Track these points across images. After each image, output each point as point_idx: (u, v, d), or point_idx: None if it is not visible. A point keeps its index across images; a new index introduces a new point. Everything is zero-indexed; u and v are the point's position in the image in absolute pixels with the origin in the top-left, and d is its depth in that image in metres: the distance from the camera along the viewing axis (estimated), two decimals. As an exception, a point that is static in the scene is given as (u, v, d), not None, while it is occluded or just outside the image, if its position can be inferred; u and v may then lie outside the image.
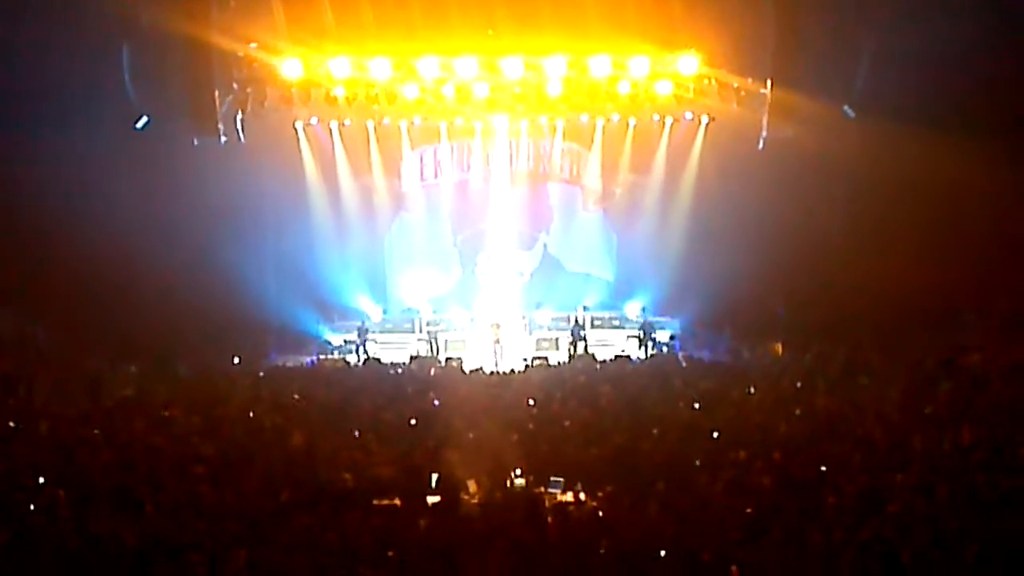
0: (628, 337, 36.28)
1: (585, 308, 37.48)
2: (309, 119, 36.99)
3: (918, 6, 30.52)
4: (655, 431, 20.82)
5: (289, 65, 33.05)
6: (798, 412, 22.62)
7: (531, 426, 21.76)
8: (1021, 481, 16.23)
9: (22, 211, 30.35)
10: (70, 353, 29.81)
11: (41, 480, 17.09)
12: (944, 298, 30.87)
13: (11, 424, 21.39)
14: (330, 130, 37.46)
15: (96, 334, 30.85)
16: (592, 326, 36.97)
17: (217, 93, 33.08)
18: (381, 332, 37.12)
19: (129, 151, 32.70)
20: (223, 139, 33.58)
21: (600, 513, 16.41)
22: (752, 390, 25.85)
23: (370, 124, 37.29)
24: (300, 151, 37.44)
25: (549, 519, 15.99)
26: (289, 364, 33.43)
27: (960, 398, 22.78)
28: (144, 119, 33.05)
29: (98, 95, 31.59)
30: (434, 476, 17.78)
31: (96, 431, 21.02)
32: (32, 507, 15.93)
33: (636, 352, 34.84)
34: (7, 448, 19.38)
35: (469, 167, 38.58)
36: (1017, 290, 30.42)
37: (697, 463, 18.64)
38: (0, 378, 25.68)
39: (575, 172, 38.95)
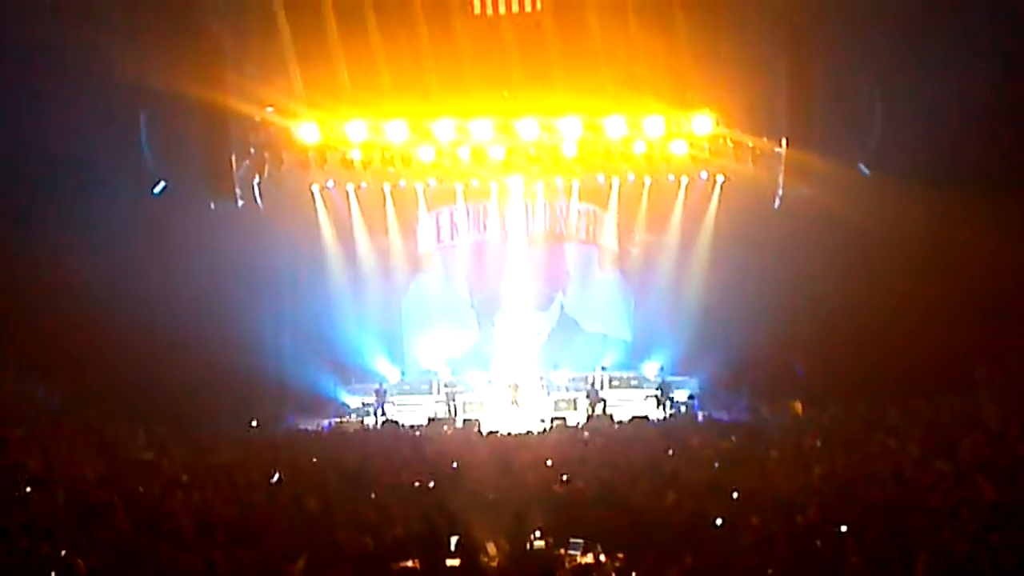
0: (646, 397, 36.18)
1: (603, 368, 37.46)
2: (326, 182, 37.24)
3: (931, 64, 30.58)
4: (673, 492, 20.69)
5: (305, 129, 33.27)
6: (818, 472, 22.46)
7: (550, 488, 21.64)
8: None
9: (40, 275, 30.44)
10: (86, 418, 29.76)
11: (59, 547, 17.00)
12: (961, 357, 30.76)
13: (28, 489, 21.29)
14: (347, 193, 37.71)
15: (113, 398, 30.83)
16: (610, 386, 36.91)
17: (234, 157, 33.24)
18: (399, 394, 37.17)
19: (147, 216, 32.84)
20: (240, 203, 33.70)
21: (620, 574, 16.29)
22: (772, 450, 25.75)
23: (386, 187, 37.53)
24: (317, 214, 37.69)
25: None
26: (307, 427, 33.35)
27: (980, 455, 22.61)
28: (161, 184, 33.22)
29: (116, 161, 31.78)
30: (453, 538, 17.67)
31: (114, 496, 20.95)
32: (51, 574, 15.84)
33: (654, 412, 34.73)
34: (24, 514, 19.29)
35: (485, 228, 38.73)
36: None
37: (717, 524, 18.50)
38: (16, 443, 25.58)
39: (591, 232, 39.04)
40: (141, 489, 21.69)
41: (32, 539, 17.45)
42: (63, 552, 16.58)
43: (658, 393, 35.60)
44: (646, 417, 33.65)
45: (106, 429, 28.80)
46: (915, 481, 20.97)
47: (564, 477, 22.50)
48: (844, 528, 17.52)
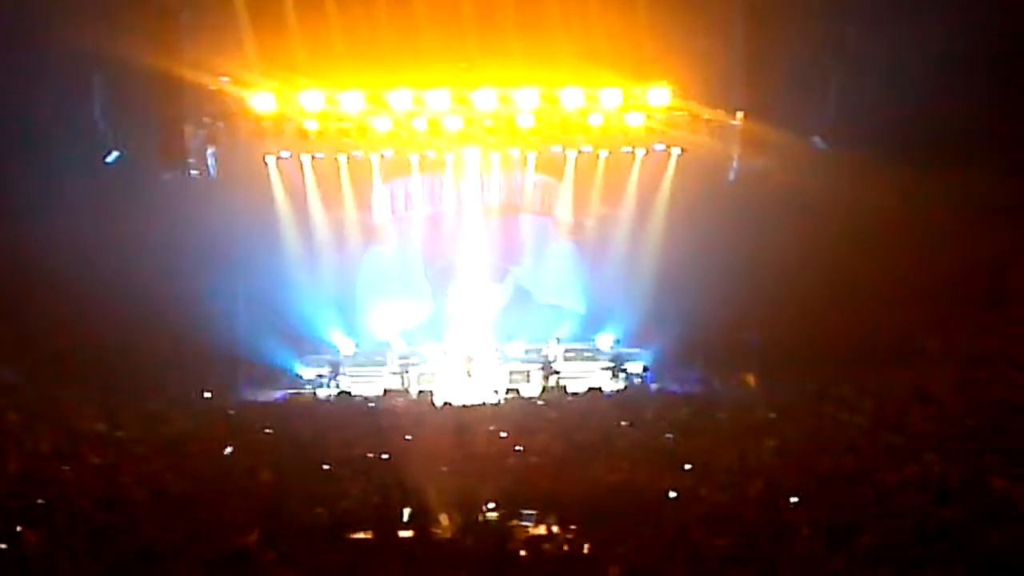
0: (601, 369, 36.25)
1: (557, 340, 37.43)
2: (280, 153, 36.97)
3: (888, 38, 30.73)
4: (627, 464, 20.76)
5: (260, 99, 33.14)
6: (769, 443, 22.58)
7: (503, 459, 21.68)
8: (990, 509, 16.23)
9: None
10: (39, 388, 29.57)
11: (9, 518, 16.90)
12: (913, 330, 31.00)
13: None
14: (301, 163, 37.45)
15: (64, 369, 30.65)
16: (564, 358, 36.91)
17: (187, 127, 33.05)
18: (353, 365, 37.01)
19: (99, 185, 32.59)
20: (194, 173, 33.53)
21: (573, 546, 16.33)
22: (723, 417, 25.92)
23: (342, 157, 37.30)
24: (271, 184, 37.42)
25: (522, 552, 15.91)
26: (260, 398, 33.26)
27: (929, 427, 22.81)
28: (114, 153, 32.98)
29: (68, 130, 31.52)
30: (406, 510, 17.68)
31: (66, 467, 20.85)
32: (1, 546, 15.75)
33: (609, 384, 34.82)
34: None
35: (441, 200, 38.60)
36: (989, 326, 30.55)
37: (670, 495, 18.58)
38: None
39: (546, 204, 39.02)
40: (94, 461, 21.63)
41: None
42: (14, 524, 16.52)
43: (612, 365, 35.70)
44: (600, 389, 33.75)
45: (58, 400, 28.63)
46: (865, 453, 21.13)
47: (518, 448, 22.57)
48: (794, 499, 17.65)
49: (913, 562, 14.40)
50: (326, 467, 21.08)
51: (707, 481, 19.11)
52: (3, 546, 15.74)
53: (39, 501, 18.07)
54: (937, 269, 31.50)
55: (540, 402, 31.05)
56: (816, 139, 33.11)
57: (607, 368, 35.91)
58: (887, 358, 30.23)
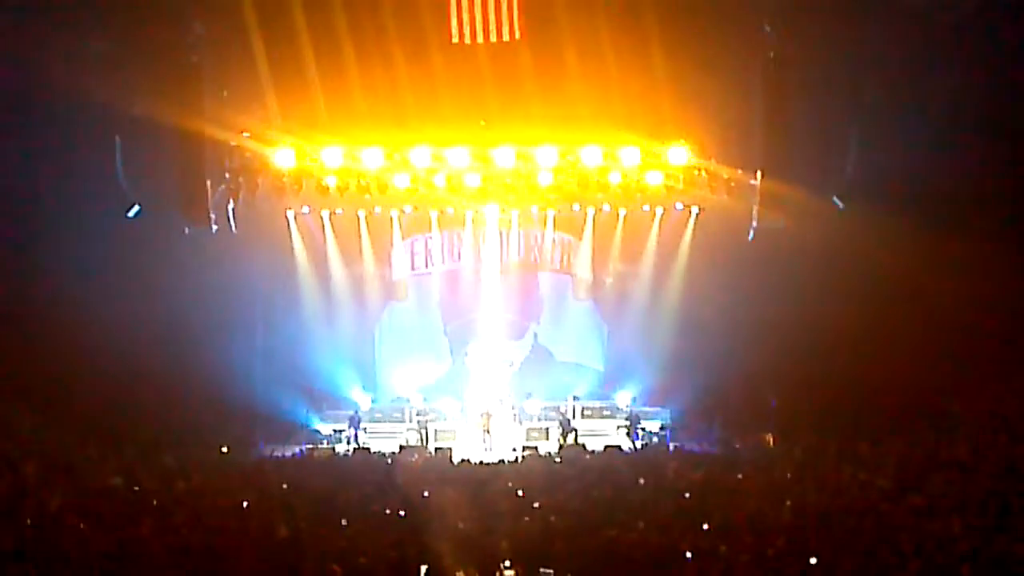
0: (617, 427, 36.12)
1: (575, 398, 37.35)
2: (301, 208, 37.20)
3: (905, 97, 30.82)
4: (644, 523, 20.65)
5: (281, 155, 33.28)
6: (789, 504, 22.46)
7: (520, 517, 21.59)
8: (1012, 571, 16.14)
9: (13, 299, 30.38)
10: (56, 442, 29.61)
11: (27, 571, 16.91)
12: (934, 392, 30.84)
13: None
14: (321, 219, 37.69)
15: (82, 423, 30.69)
16: (582, 416, 36.81)
17: (209, 182, 33.16)
18: (371, 421, 36.98)
19: (121, 240, 32.75)
20: (214, 228, 33.64)
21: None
22: (741, 477, 25.81)
23: (361, 213, 37.52)
24: (291, 240, 37.61)
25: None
26: (277, 454, 33.20)
27: (951, 490, 22.66)
28: (136, 208, 33.15)
29: (91, 185, 31.71)
30: (423, 568, 17.62)
31: (82, 521, 20.85)
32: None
33: (626, 443, 34.70)
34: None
35: (460, 256, 38.69)
36: (1009, 388, 30.39)
37: (687, 555, 18.48)
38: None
39: (566, 262, 39.07)
40: (110, 515, 21.62)
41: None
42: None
43: (627, 424, 35.60)
44: (618, 447, 33.64)
45: (75, 454, 28.65)
46: (886, 515, 21.00)
47: (536, 506, 22.48)
48: (814, 560, 17.55)
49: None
50: (343, 523, 21.04)
51: (726, 540, 19.00)
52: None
53: (54, 554, 18.10)
54: (958, 328, 31.39)
55: (558, 460, 30.93)
56: (835, 199, 33.10)
57: (623, 426, 35.72)
58: (908, 418, 30.05)
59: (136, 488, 24.79)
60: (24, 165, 30.25)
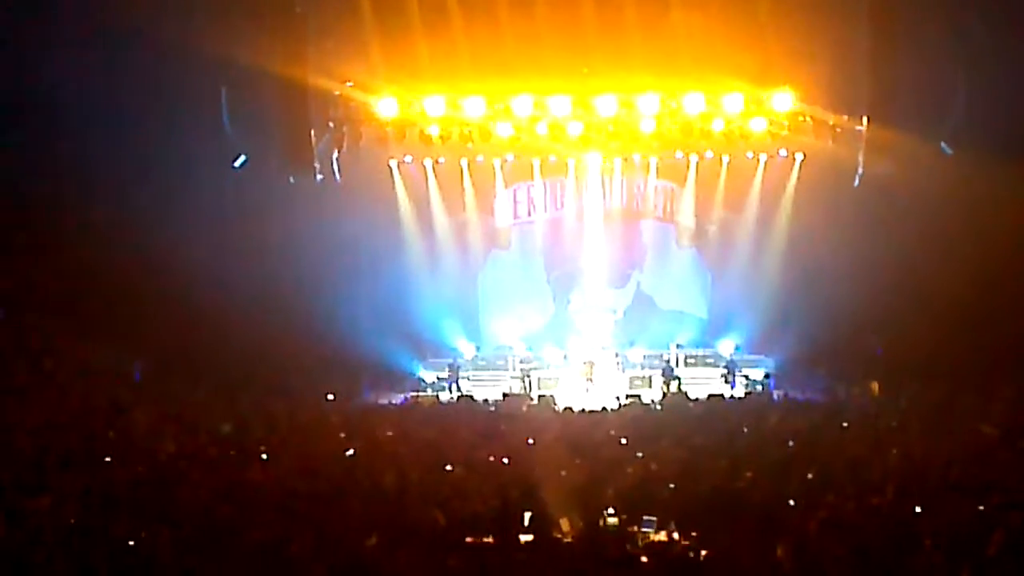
0: (719, 376, 36.04)
1: (679, 346, 37.29)
2: (404, 157, 37.42)
3: (1011, 39, 30.26)
4: (748, 471, 20.62)
5: (384, 104, 33.46)
6: (894, 452, 22.30)
7: (623, 465, 21.64)
8: None
9: (125, 248, 30.89)
10: (168, 389, 30.15)
11: (141, 517, 17.25)
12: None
13: (108, 460, 21.61)
14: (424, 168, 37.86)
15: (193, 371, 31.24)
16: (685, 364, 36.75)
17: (313, 132, 33.45)
18: (474, 369, 37.27)
19: (227, 188, 33.20)
20: (319, 177, 33.94)
21: (693, 553, 16.29)
22: (846, 425, 25.68)
23: (464, 162, 37.64)
24: (395, 189, 37.83)
25: (643, 558, 15.91)
26: (382, 401, 33.55)
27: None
28: (242, 158, 33.53)
29: (197, 133, 32.11)
30: (527, 514, 17.74)
31: (194, 468, 21.23)
32: (132, 543, 16.08)
33: (730, 391, 34.62)
34: (108, 483, 19.59)
35: (562, 204, 38.70)
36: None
37: (791, 503, 18.44)
38: (99, 412, 25.96)
39: (668, 209, 38.95)
40: (219, 461, 22.01)
41: (114, 508, 17.76)
42: (144, 522, 16.85)
43: (725, 372, 35.52)
44: (721, 396, 33.57)
45: (187, 400, 29.15)
46: (992, 463, 20.79)
47: (639, 454, 22.52)
48: (919, 509, 17.44)
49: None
50: (448, 468, 21.23)
51: (830, 489, 18.92)
52: (132, 543, 16.11)
53: (166, 500, 18.46)
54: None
55: (661, 408, 30.94)
56: (943, 144, 32.62)
57: (722, 375, 35.65)
58: (1014, 366, 29.64)
59: (244, 435, 25.17)
60: (133, 116, 30.64)
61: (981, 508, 17.31)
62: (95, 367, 30.31)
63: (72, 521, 17.20)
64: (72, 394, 27.44)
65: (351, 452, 23.07)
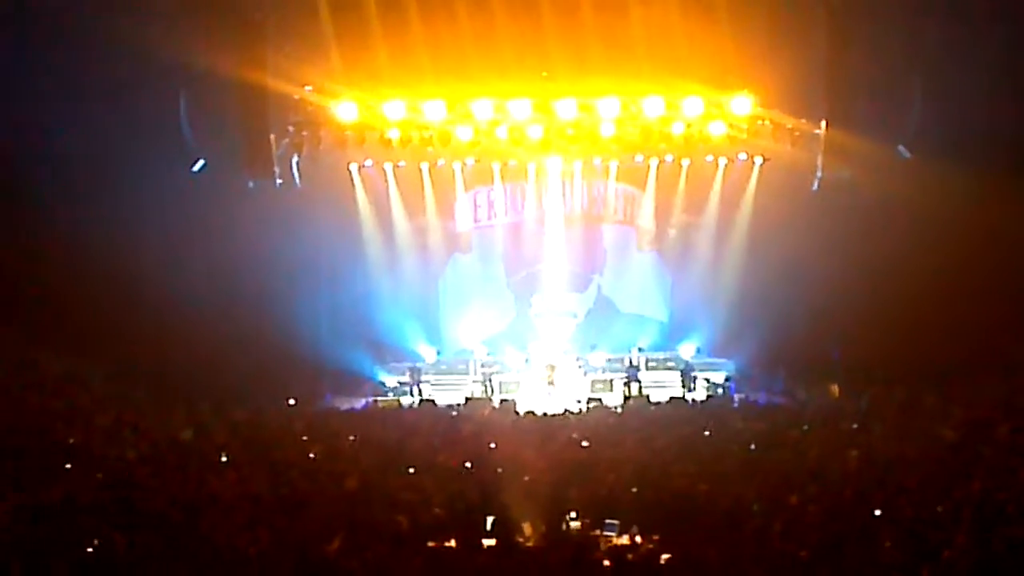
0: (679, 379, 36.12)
1: (639, 350, 37.33)
2: (364, 161, 37.29)
3: (972, 44, 30.46)
4: (709, 474, 20.67)
5: (344, 108, 33.37)
6: (855, 454, 22.41)
7: (586, 469, 21.66)
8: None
9: (81, 253, 30.66)
10: (125, 395, 30.00)
11: (98, 522, 17.15)
12: (1002, 341, 30.61)
13: (68, 466, 21.50)
14: (384, 172, 37.72)
15: (152, 378, 31.07)
16: (646, 367, 36.79)
17: (272, 136, 33.39)
18: (435, 373, 37.16)
19: (185, 193, 33.03)
20: (278, 181, 33.87)
21: (655, 556, 16.31)
22: (807, 428, 25.79)
23: (424, 166, 37.56)
24: (355, 193, 37.72)
25: (605, 562, 15.91)
26: (344, 406, 33.46)
27: (1018, 440, 22.51)
28: (200, 162, 33.40)
29: (155, 138, 31.95)
30: (489, 518, 17.74)
31: (153, 473, 21.13)
32: (89, 549, 15.98)
33: (691, 394, 34.71)
34: (64, 489, 19.49)
35: (523, 208, 38.70)
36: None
37: (754, 506, 18.50)
38: (57, 418, 25.82)
39: (629, 213, 39.02)
40: (179, 467, 21.91)
41: (72, 514, 17.65)
42: (102, 527, 16.75)
43: (683, 376, 35.62)
44: (683, 399, 33.67)
45: (146, 407, 29.01)
46: (951, 465, 20.92)
47: (601, 458, 22.54)
48: (878, 512, 17.52)
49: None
50: (411, 471, 21.22)
51: (791, 491, 19.00)
52: (91, 549, 16.01)
53: (127, 507, 18.36)
54: (1024, 278, 31.14)
55: (622, 411, 30.99)
56: (901, 148, 32.82)
57: (681, 379, 35.72)
58: (974, 368, 29.85)
59: (206, 441, 25.07)
60: (90, 120, 30.44)
61: (940, 509, 17.42)
62: (52, 373, 30.13)
63: (31, 528, 17.09)
64: (30, 401, 27.28)
65: (313, 457, 23.03)
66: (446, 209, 38.68)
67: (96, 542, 16.26)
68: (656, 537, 17.29)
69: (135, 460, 22.68)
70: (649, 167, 37.83)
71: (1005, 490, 18.36)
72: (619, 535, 17.85)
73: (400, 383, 36.45)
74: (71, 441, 23.84)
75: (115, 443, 23.99)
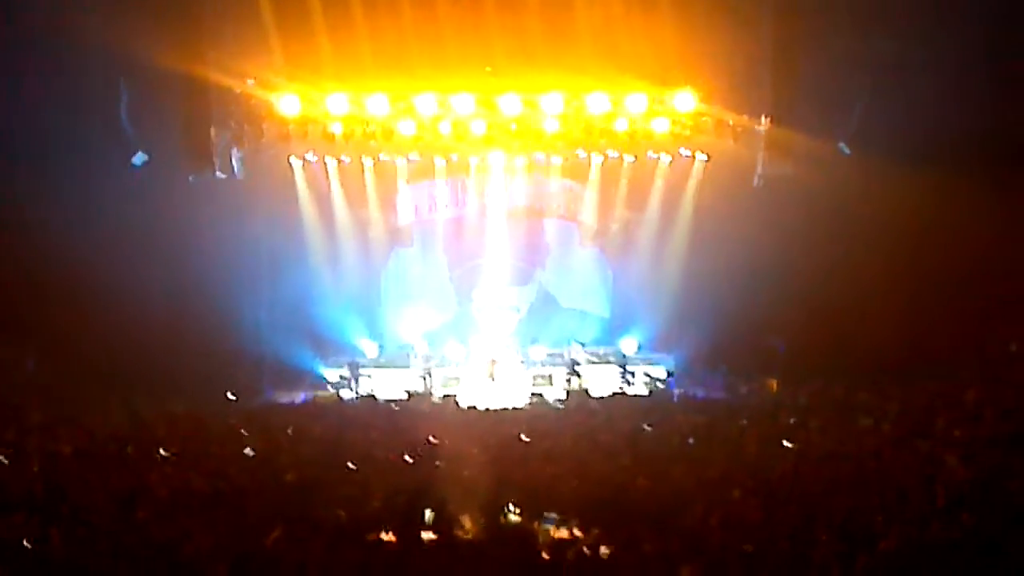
0: (618, 375, 36.18)
1: (581, 344, 37.39)
2: (306, 155, 37.06)
3: (912, 44, 30.71)
4: (649, 468, 20.72)
5: (286, 101, 33.26)
6: (793, 448, 22.54)
7: (526, 462, 21.68)
8: (1013, 515, 16.17)
9: (20, 244, 30.39)
10: (62, 387, 29.73)
11: (32, 517, 16.98)
12: (941, 337, 30.87)
13: (2, 460, 21.28)
14: (326, 166, 37.52)
15: (89, 368, 30.79)
16: (587, 362, 36.85)
17: (213, 130, 33.20)
18: (376, 367, 37.03)
19: (125, 187, 32.74)
20: (219, 175, 33.70)
21: (594, 550, 16.33)
22: (745, 422, 25.92)
23: (367, 160, 37.37)
24: (296, 187, 37.50)
25: (544, 555, 15.92)
26: (283, 400, 33.34)
27: (954, 433, 22.70)
28: (140, 156, 33.14)
29: (94, 131, 31.69)
30: (428, 512, 17.70)
31: (89, 468, 20.94)
32: (25, 543, 15.82)
33: (631, 389, 34.82)
34: (1, 484, 19.29)
35: (465, 203, 38.66)
36: (1016, 332, 30.43)
37: (693, 500, 18.55)
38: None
39: (572, 208, 39.00)
40: (116, 462, 21.73)
41: (5, 509, 17.46)
42: (39, 523, 16.59)
43: (622, 370, 35.71)
44: (624, 393, 33.76)
45: (82, 401, 28.75)
46: (888, 459, 21.07)
47: (541, 451, 22.56)
48: (815, 504, 17.61)
49: (931, 568, 14.37)
50: (350, 466, 21.15)
51: (729, 485, 19.08)
52: (28, 545, 15.85)
53: (62, 501, 18.19)
54: (965, 275, 31.39)
55: (563, 405, 31.03)
56: (842, 144, 33.04)
57: (621, 374, 35.81)
58: (913, 363, 30.09)
59: (143, 435, 24.88)
60: (29, 113, 30.15)
61: (876, 502, 17.53)
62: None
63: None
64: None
65: (251, 451, 22.92)
66: (388, 203, 38.55)
67: (35, 536, 16.12)
68: (596, 531, 17.31)
69: (71, 454, 22.46)
70: (592, 162, 37.82)
71: (940, 482, 18.52)
72: (558, 528, 17.85)
73: (341, 377, 36.31)
74: (6, 436, 23.58)
75: (51, 437, 23.74)
